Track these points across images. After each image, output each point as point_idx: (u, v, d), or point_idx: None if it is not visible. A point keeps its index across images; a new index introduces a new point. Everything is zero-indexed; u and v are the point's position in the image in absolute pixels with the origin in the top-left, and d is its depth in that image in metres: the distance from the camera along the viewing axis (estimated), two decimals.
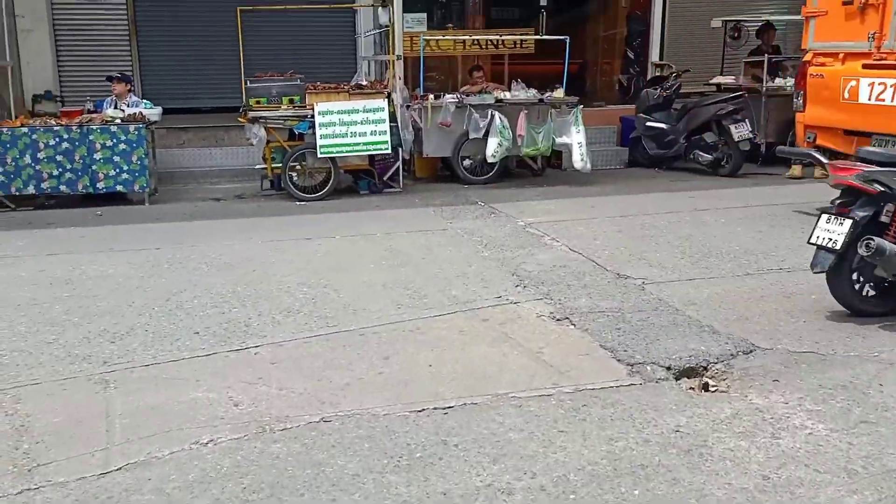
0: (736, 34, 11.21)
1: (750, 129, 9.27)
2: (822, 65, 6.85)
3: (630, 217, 7.20)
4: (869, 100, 6.37)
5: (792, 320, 4.38)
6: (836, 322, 4.34)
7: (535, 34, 10.65)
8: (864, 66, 6.45)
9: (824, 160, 4.63)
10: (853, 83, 6.50)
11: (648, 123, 10.03)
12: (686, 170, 9.86)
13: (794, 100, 7.35)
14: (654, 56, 11.89)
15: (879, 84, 6.26)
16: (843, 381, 3.57)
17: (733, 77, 10.59)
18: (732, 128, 9.20)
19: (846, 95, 6.60)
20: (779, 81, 10.05)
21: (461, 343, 4.17)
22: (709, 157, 9.54)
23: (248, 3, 8.86)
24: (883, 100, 6.24)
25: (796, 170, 9.10)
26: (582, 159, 8.80)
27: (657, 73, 11.35)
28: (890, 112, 6.17)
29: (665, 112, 10.06)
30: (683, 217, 7.14)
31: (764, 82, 9.89)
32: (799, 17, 7.57)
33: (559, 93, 9.06)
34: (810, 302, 4.62)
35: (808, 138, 6.98)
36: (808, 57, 7.10)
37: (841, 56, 6.71)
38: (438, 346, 4.12)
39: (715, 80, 10.75)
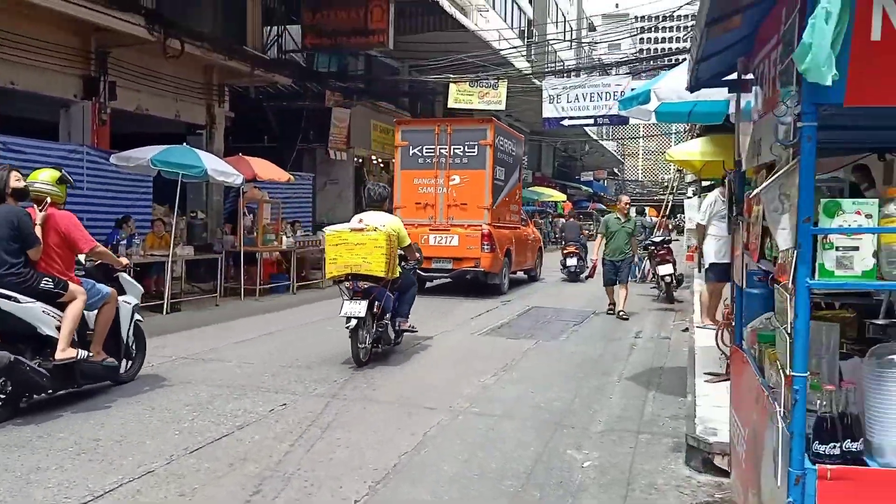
0: None
1: None
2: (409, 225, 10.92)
3: None
4: (431, 244, 13.43)
5: None
6: None
7: None
8: (430, 229, 13.73)
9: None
10: (425, 236, 13.34)
11: None
12: None
13: None
14: None
15: (434, 236, 13.64)
16: None
17: None
18: None
19: (422, 241, 12.63)
20: None
21: None
22: None
23: None
24: (439, 243, 13.66)
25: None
26: None
27: None
28: (440, 249, 13.60)
29: None
30: None
31: None
32: None
33: None
34: None
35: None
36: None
37: (416, 225, 13.10)
38: None
39: None
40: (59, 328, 5.65)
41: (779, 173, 2.29)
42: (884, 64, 1.97)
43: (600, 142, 44.90)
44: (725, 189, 9.16)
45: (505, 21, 31.93)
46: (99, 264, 6.44)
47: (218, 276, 12.62)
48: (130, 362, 6.73)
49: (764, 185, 2.46)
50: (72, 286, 5.81)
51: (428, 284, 14.18)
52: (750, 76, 3.10)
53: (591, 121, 18.95)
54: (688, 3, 17.71)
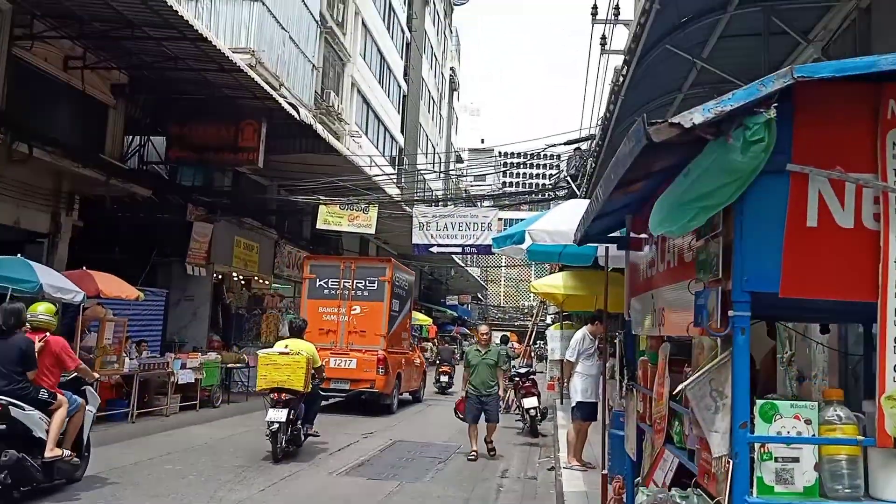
0: None
1: None
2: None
3: None
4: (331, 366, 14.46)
5: None
6: None
7: None
8: (331, 353, 14.80)
9: None
10: (326, 359, 13.18)
11: None
12: None
13: None
14: None
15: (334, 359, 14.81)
16: None
17: None
18: None
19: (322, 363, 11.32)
20: None
21: None
22: None
23: None
24: (338, 365, 14.84)
25: None
26: None
27: None
28: (339, 371, 14.79)
29: None
30: None
31: None
32: None
33: None
34: None
35: None
36: None
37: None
38: None
39: None
40: (47, 431, 6.88)
41: (708, 367, 2.07)
42: (821, 252, 1.81)
43: (465, 268, 45.85)
44: (594, 327, 9.24)
45: (377, 148, 32.60)
46: (73, 378, 7.61)
47: None
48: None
49: (691, 379, 2.22)
50: (59, 396, 7.14)
51: (323, 403, 13.47)
52: (642, 235, 2.98)
53: (459, 249, 19.19)
54: (551, 147, 18.74)
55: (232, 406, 15.56)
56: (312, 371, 9.95)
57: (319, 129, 18.95)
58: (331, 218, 18.82)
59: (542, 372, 17.56)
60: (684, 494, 2.47)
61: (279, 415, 9.29)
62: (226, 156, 17.37)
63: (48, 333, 7.32)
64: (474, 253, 20.78)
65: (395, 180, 29.37)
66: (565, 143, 17.15)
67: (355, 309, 15.29)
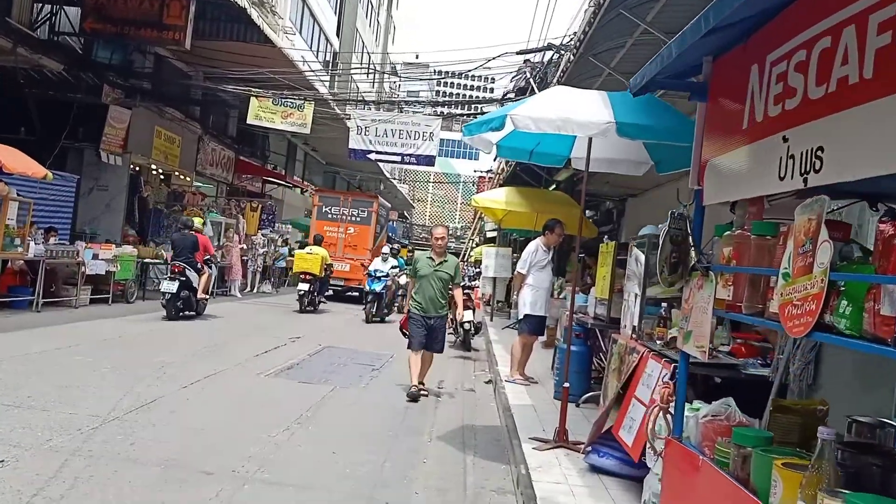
0: None
1: None
2: None
3: None
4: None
5: None
6: None
7: None
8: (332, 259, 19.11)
9: None
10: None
11: None
12: None
13: None
14: None
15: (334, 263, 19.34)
16: None
17: None
18: None
19: None
20: None
21: None
22: None
23: None
24: (337, 269, 19.97)
25: None
26: None
27: None
28: (337, 273, 20.05)
29: None
30: None
31: None
32: None
33: None
34: None
35: None
36: None
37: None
38: None
39: None
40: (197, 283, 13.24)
41: None
42: None
43: (396, 183, 44.94)
44: (547, 237, 8.79)
45: (310, 49, 30.85)
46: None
47: None
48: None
49: None
50: (205, 267, 13.61)
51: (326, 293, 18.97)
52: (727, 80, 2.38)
53: (399, 158, 18.37)
54: (482, 65, 17.85)
55: (147, 303, 14.64)
56: (325, 265, 16.85)
57: (254, 14, 17.47)
58: (263, 113, 17.63)
59: (477, 285, 17.25)
60: None
61: (305, 286, 16.15)
62: (148, 33, 15.85)
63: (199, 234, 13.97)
64: (413, 164, 19.96)
65: (326, 83, 27.87)
66: (517, 53, 16.34)
67: (350, 230, 20.96)
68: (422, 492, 4.95)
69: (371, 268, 16.74)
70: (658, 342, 4.84)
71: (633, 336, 5.21)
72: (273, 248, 23.20)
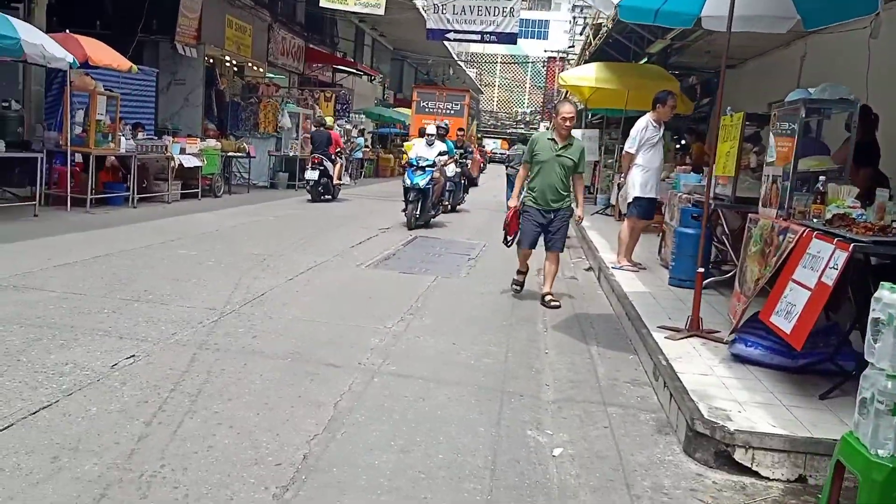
0: None
1: None
2: None
3: None
4: None
5: None
6: None
7: None
8: None
9: None
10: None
11: None
12: None
13: None
14: None
15: None
16: None
17: None
18: None
19: None
20: None
21: None
22: None
23: None
24: None
25: None
26: None
27: None
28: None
29: None
30: None
31: None
32: None
33: None
34: None
35: None
36: None
37: None
38: None
39: None
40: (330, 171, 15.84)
41: None
42: None
43: (464, 68, 43.70)
44: (658, 112, 8.19)
45: None
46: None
47: (38, 181, 10.25)
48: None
49: None
50: (337, 159, 16.04)
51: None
52: None
53: (478, 37, 17.54)
54: None
55: (234, 197, 14.73)
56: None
57: None
58: None
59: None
60: None
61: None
62: None
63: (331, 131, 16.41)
64: (494, 42, 19.00)
65: None
66: None
67: (446, 121, 20.10)
68: (551, 383, 4.76)
69: (412, 154, 12.76)
70: (815, 220, 4.39)
71: (781, 216, 4.77)
72: (348, 138, 22.95)
